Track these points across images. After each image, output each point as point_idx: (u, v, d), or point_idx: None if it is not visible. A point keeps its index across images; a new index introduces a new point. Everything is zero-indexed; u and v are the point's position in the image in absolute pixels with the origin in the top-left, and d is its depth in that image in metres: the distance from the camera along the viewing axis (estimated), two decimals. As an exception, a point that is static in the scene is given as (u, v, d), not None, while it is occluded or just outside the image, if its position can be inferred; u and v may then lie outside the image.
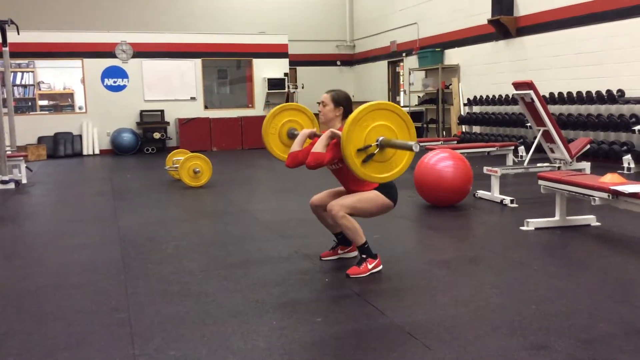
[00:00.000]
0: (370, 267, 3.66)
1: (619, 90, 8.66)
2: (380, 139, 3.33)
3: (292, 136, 4.18)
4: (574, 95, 9.37)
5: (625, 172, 7.93)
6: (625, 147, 8.37)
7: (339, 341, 2.74)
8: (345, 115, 3.69)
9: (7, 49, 9.06)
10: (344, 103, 3.73)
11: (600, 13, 9.12)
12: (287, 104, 4.43)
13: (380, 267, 3.72)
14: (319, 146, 3.54)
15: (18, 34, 9.59)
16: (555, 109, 9.77)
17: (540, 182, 4.90)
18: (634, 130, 8.23)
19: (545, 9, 10.24)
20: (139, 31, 13.87)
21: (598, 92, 8.92)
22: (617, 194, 4.10)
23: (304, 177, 9.08)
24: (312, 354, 2.58)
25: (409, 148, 3.26)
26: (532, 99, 6.50)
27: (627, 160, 8.10)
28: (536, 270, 3.75)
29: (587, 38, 9.38)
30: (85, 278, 3.83)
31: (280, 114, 4.26)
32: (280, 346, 2.66)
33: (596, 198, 4.27)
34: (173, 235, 5.00)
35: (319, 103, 3.82)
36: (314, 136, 3.82)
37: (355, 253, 4.01)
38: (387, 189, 3.68)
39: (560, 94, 9.66)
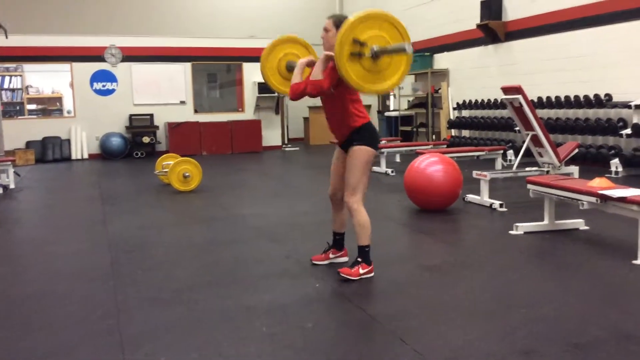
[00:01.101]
0: (362, 272, 3.66)
1: (607, 95, 8.73)
2: (375, 47, 3.28)
3: (291, 69, 4.07)
4: (562, 99, 9.45)
5: (613, 176, 8.00)
6: (613, 151, 8.44)
7: (330, 347, 2.74)
8: None
9: (-6, 53, 9.01)
10: None
11: (588, 18, 9.20)
12: (278, 38, 4.29)
13: (372, 274, 3.72)
14: (316, 73, 3.51)
15: (6, 37, 9.54)
16: (543, 113, 9.84)
17: (529, 186, 4.93)
18: (622, 134, 8.30)
19: (533, 14, 10.32)
20: (128, 35, 13.79)
21: (586, 97, 8.99)
22: (605, 198, 4.13)
23: (294, 181, 9.09)
24: (303, 360, 2.58)
25: (403, 49, 3.21)
26: (520, 103, 6.53)
27: (615, 164, 8.17)
28: (525, 275, 3.77)
29: (575, 42, 9.45)
30: (74, 285, 3.80)
31: (274, 51, 4.18)
32: (271, 352, 2.66)
33: (584, 202, 4.30)
34: (163, 241, 4.98)
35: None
36: (312, 64, 3.72)
37: (347, 258, 4.02)
38: (371, 139, 3.65)
39: (548, 98, 9.73)
